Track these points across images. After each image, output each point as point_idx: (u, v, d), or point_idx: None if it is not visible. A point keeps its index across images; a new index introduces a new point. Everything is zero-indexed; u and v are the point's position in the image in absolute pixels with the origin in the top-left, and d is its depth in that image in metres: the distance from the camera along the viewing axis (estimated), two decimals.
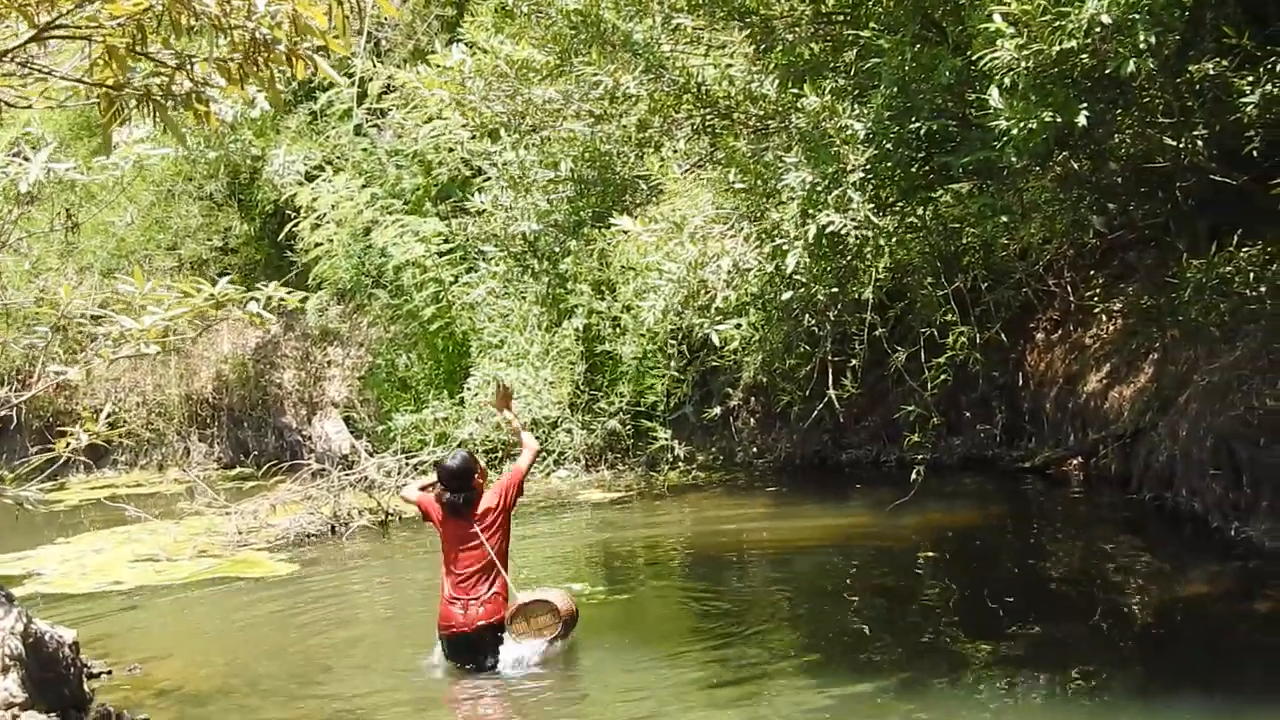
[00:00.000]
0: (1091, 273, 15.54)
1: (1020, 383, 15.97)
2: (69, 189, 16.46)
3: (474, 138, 11.79)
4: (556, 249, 12.31)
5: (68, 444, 6.35)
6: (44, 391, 7.02)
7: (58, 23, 4.50)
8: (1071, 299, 15.59)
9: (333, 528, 15.61)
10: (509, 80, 9.99)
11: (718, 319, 8.66)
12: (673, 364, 9.57)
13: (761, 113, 9.34)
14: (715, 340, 8.82)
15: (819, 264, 8.60)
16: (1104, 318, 15.20)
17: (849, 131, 8.40)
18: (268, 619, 11.86)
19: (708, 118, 9.96)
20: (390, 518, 16.07)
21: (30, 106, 4.93)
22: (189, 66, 4.58)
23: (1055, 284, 15.62)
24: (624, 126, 10.03)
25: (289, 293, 7.61)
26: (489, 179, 17.79)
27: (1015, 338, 15.48)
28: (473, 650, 9.64)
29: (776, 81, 9.44)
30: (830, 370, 11.37)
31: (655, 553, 13.31)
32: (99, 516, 17.63)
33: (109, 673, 10.09)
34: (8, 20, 4.53)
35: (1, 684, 7.84)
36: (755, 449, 17.96)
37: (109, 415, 7.28)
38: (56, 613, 12.04)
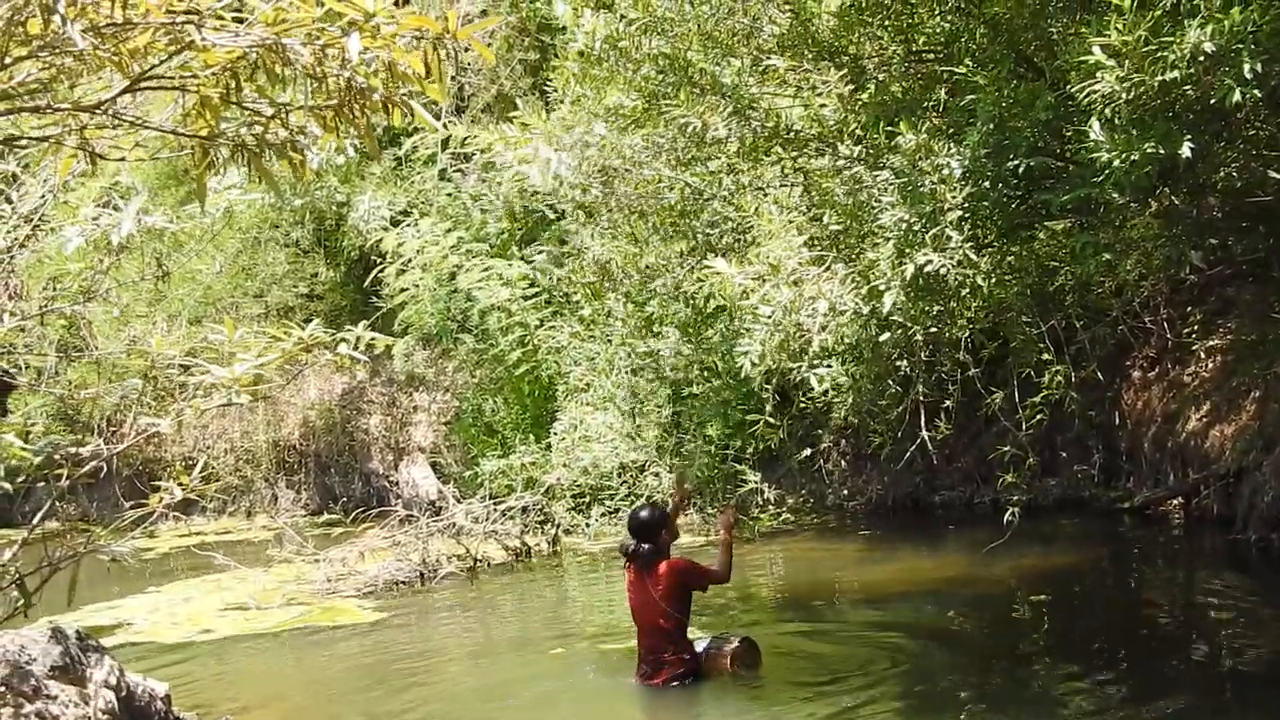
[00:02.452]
0: (1189, 309, 15.27)
1: (1117, 422, 15.67)
2: (158, 238, 16.56)
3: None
4: (645, 291, 12.28)
5: (161, 499, 6.29)
6: (134, 443, 6.98)
7: (151, 73, 4.45)
8: (1168, 336, 15.31)
9: (421, 575, 15.55)
10: (597, 139, 9.95)
11: (815, 362, 8.53)
12: (766, 409, 9.39)
13: (855, 153, 9.20)
14: (815, 384, 8.68)
15: (916, 305, 8.43)
16: (1202, 355, 14.91)
17: (946, 170, 8.24)
18: (358, 668, 11.79)
19: (798, 160, 9.86)
20: (479, 564, 16.00)
21: (124, 159, 4.89)
22: (284, 115, 4.53)
23: (1151, 321, 15.33)
24: (714, 171, 9.95)
25: (375, 336, 7.53)
26: (574, 222, 17.85)
27: (1111, 376, 15.25)
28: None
29: (869, 121, 9.31)
30: (923, 411, 11.20)
31: (746, 598, 13.11)
32: (188, 564, 17.66)
33: None
34: (100, 72, 4.50)
35: None
36: (845, 491, 17.79)
37: (202, 468, 7.24)
38: (146, 663, 12.03)
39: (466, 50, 4.86)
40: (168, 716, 8.84)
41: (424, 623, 13.81)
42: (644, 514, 10.22)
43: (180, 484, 6.05)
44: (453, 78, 20.99)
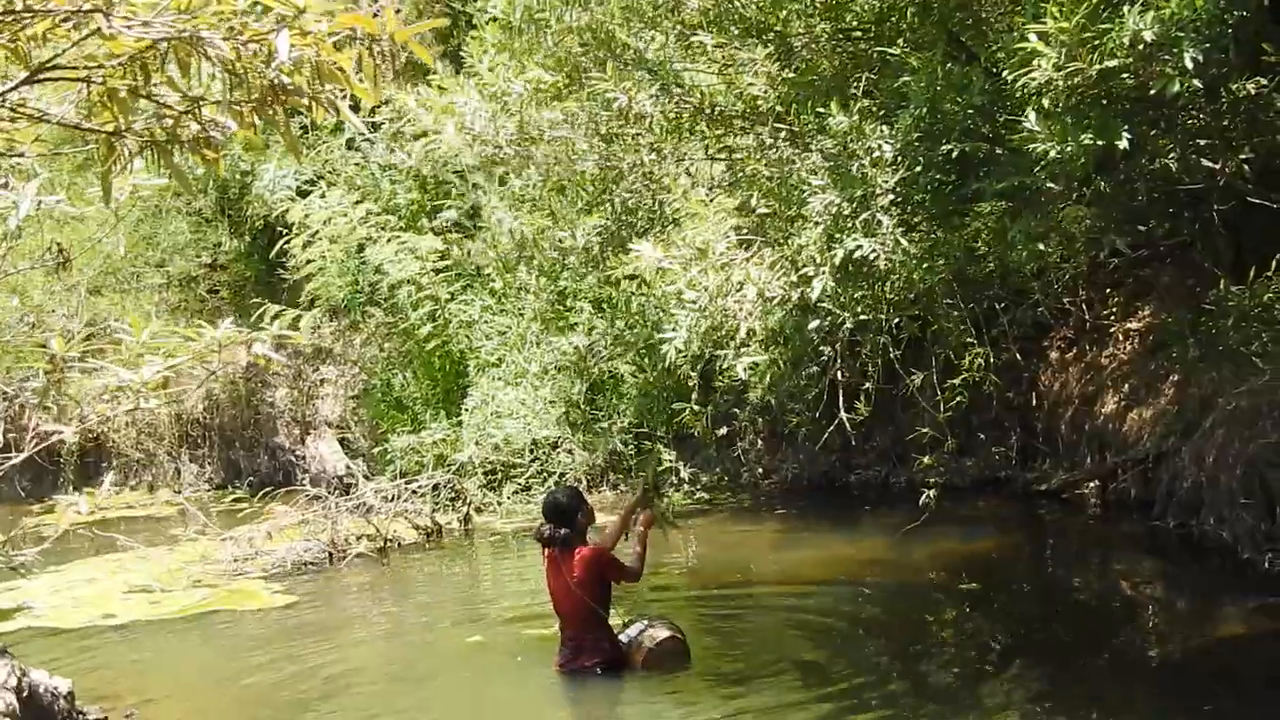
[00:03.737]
0: (1108, 291, 15.22)
1: (1034, 403, 15.63)
2: (58, 220, 16.12)
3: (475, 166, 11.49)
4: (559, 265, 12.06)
5: (64, 516, 5.95)
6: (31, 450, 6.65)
7: (52, 63, 4.15)
8: (1087, 317, 15.27)
9: (330, 555, 15.25)
10: (515, 105, 9.68)
11: (742, 351, 8.32)
12: (692, 396, 9.19)
13: (782, 134, 9.00)
14: (742, 373, 8.48)
15: (845, 291, 8.26)
16: (1120, 337, 14.88)
17: (877, 153, 8.06)
18: (267, 655, 11.47)
19: (722, 137, 9.66)
20: (389, 544, 15.72)
21: (22, 155, 4.57)
22: (196, 109, 4.24)
23: (1070, 302, 15.28)
24: (636, 150, 9.72)
25: (294, 324, 7.24)
26: (486, 195, 17.57)
27: (1028, 357, 15.20)
28: None
29: (796, 101, 9.12)
30: (840, 391, 11.04)
31: (657, 582, 12.88)
32: (90, 543, 17.21)
33: (105, 718, 9.71)
34: None
35: None
36: (761, 470, 17.66)
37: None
38: (48, 651, 11.71)
39: (404, 50, 4.61)
40: (71, 714, 8.56)
41: (334, 606, 13.53)
42: (560, 498, 10.00)
43: (89, 497, 5.73)
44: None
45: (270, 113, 4.14)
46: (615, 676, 9.68)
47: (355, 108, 5.20)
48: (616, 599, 9.96)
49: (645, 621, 10.09)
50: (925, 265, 8.57)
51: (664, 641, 9.89)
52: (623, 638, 9.88)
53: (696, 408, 9.24)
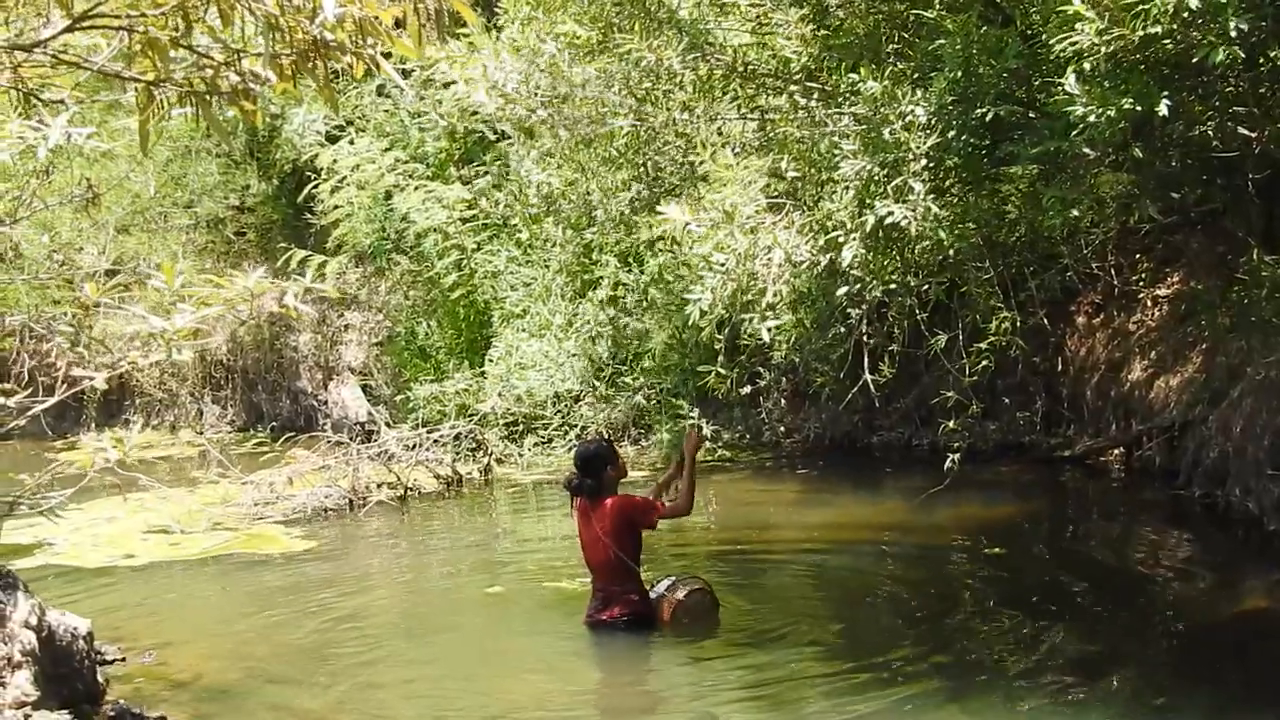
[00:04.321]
0: (1137, 256, 15.14)
1: (1060, 368, 15.56)
2: (87, 155, 16.11)
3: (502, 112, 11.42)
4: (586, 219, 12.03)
5: (93, 463, 5.95)
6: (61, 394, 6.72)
7: (95, 11, 4.14)
8: (1115, 283, 15.19)
9: (350, 502, 15.30)
10: (546, 65, 9.64)
11: (767, 314, 8.29)
12: (718, 360, 9.14)
13: (815, 95, 8.96)
14: (766, 338, 8.45)
15: (875, 258, 8.24)
16: (1149, 303, 14.81)
17: (910, 117, 8.01)
18: (285, 600, 11.53)
19: (755, 97, 9.61)
20: (410, 493, 15.76)
21: (62, 102, 4.57)
22: (236, 60, 4.23)
23: (1099, 267, 15.20)
24: (668, 109, 9.67)
25: (320, 270, 7.24)
26: (516, 144, 17.52)
27: (1055, 322, 15.11)
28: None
29: (829, 63, 9.07)
30: (865, 352, 11.01)
31: (678, 541, 12.89)
32: (111, 481, 17.23)
33: (122, 659, 9.77)
34: (39, 9, 4.18)
35: (13, 681, 7.53)
36: (783, 429, 17.64)
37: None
38: (68, 589, 11.78)
39: (448, 8, 4.59)
40: (89, 654, 8.59)
41: (353, 553, 13.57)
42: (590, 449, 9.98)
43: (116, 444, 5.75)
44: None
45: (310, 66, 4.13)
46: (639, 632, 9.69)
47: (387, 55, 5.17)
48: (643, 560, 9.96)
49: (673, 577, 10.11)
50: (956, 230, 8.52)
51: (693, 593, 9.91)
52: (651, 593, 9.89)
53: (722, 371, 9.18)
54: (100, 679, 8.71)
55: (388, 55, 4.98)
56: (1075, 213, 8.26)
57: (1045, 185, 8.34)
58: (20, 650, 7.63)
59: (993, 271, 10.37)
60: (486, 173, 19.80)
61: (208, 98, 4.30)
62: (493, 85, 10.50)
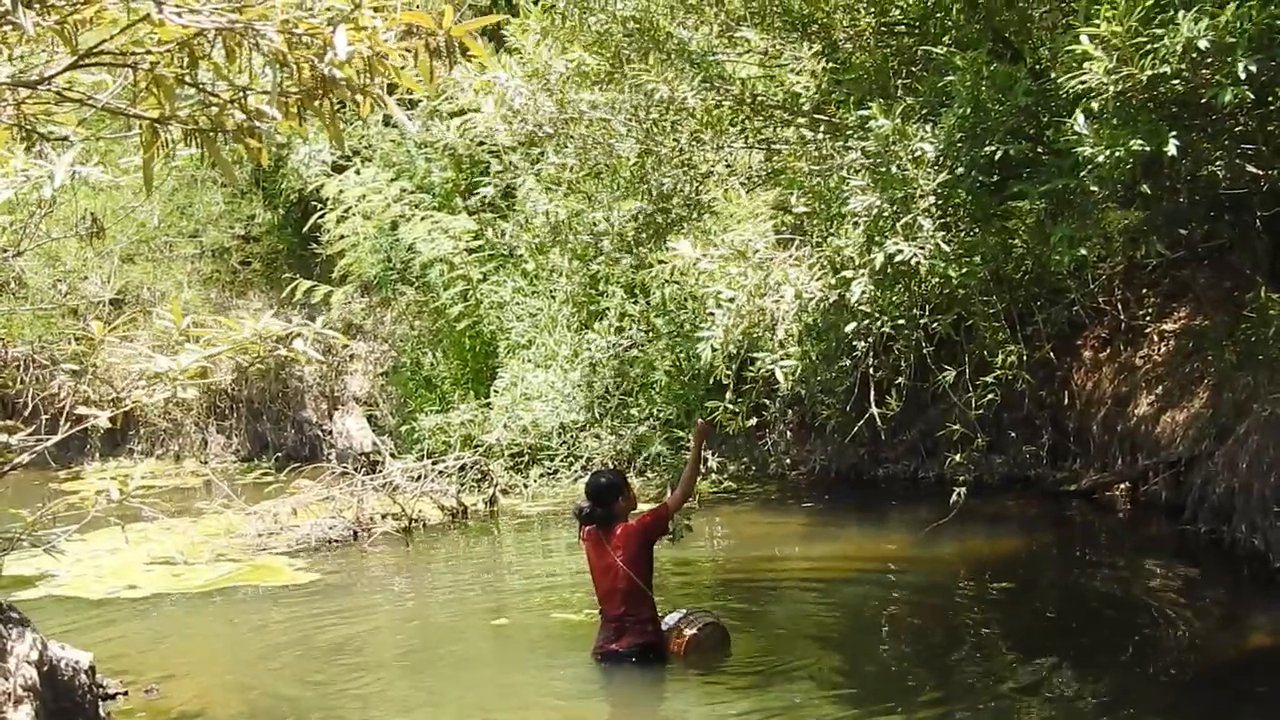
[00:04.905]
0: (1144, 291, 15.11)
1: (1066, 402, 15.51)
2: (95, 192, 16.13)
3: (511, 146, 11.41)
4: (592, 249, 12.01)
5: (96, 499, 5.92)
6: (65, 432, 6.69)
7: (100, 48, 4.11)
8: (1122, 317, 15.15)
9: (355, 533, 15.26)
10: (556, 85, 9.61)
11: (780, 354, 8.23)
12: (727, 395, 9.09)
13: (824, 130, 8.92)
14: (780, 378, 8.38)
15: (884, 294, 8.19)
16: (1155, 338, 14.77)
17: (919, 153, 7.97)
18: (289, 633, 11.49)
19: (763, 129, 9.59)
20: (414, 524, 15.71)
21: (66, 139, 4.54)
22: (242, 98, 4.20)
23: (1105, 301, 15.17)
24: (676, 139, 9.65)
25: (326, 299, 7.19)
26: (521, 175, 17.49)
27: (1062, 356, 15.09)
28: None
29: (838, 97, 9.04)
30: (872, 385, 10.97)
31: (684, 573, 12.85)
32: (114, 511, 17.17)
33: (125, 693, 9.71)
34: (43, 45, 4.14)
35: (14, 716, 7.48)
36: (789, 460, 17.60)
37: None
38: (70, 621, 11.72)
39: (459, 45, 4.53)
40: (91, 688, 8.55)
41: (358, 585, 13.50)
42: (603, 479, 10.00)
43: (119, 483, 5.71)
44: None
45: (317, 105, 4.10)
46: (649, 666, 9.64)
47: (393, 89, 5.14)
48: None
49: (683, 610, 10.08)
50: (964, 266, 8.47)
51: (706, 626, 9.88)
52: (669, 622, 9.87)
53: (731, 406, 9.14)
54: (102, 713, 8.68)
55: (393, 89, 4.95)
56: (1083, 251, 8.20)
57: (1053, 222, 8.29)
58: (21, 685, 7.58)
59: (1000, 306, 10.34)
60: (491, 202, 19.76)
61: (213, 135, 4.27)
62: (500, 99, 10.45)
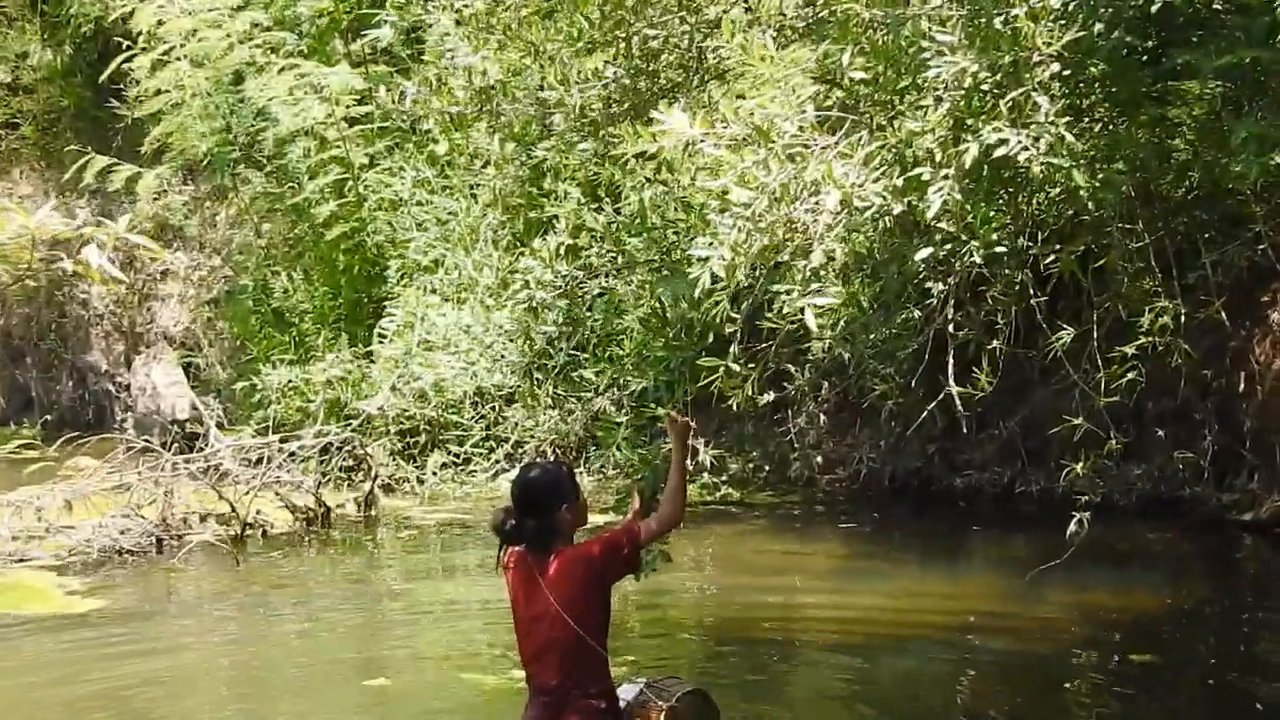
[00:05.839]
0: None
1: (1242, 388, 15.60)
2: None
3: None
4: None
5: None
6: None
7: None
8: None
9: (159, 542, 15.30)
10: None
11: (814, 289, 8.22)
12: (731, 349, 9.03)
13: None
14: (811, 322, 8.37)
15: (976, 208, 8.25)
16: None
17: (1038, 1, 8.02)
18: (44, 699, 11.43)
19: None
20: (250, 531, 15.77)
21: None
22: None
23: None
24: None
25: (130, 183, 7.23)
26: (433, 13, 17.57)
27: (1238, 318, 15.13)
28: None
29: None
30: (950, 350, 11.04)
31: (657, 619, 12.89)
32: None
33: None
34: None
35: None
36: (820, 459, 17.66)
37: None
38: None
39: None
40: None
41: (159, 623, 13.55)
42: (534, 474, 9.05)
43: None
44: None
45: None
46: None
47: None
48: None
49: (644, 680, 10.03)
50: (1098, 173, 8.54)
51: (684, 697, 9.80)
52: (625, 697, 9.82)
53: (734, 367, 9.11)
54: None
55: None
56: (1278, 159, 8.27)
57: (1234, 114, 8.37)
58: None
59: (1149, 238, 10.40)
60: (388, 49, 19.79)
61: None
62: None
